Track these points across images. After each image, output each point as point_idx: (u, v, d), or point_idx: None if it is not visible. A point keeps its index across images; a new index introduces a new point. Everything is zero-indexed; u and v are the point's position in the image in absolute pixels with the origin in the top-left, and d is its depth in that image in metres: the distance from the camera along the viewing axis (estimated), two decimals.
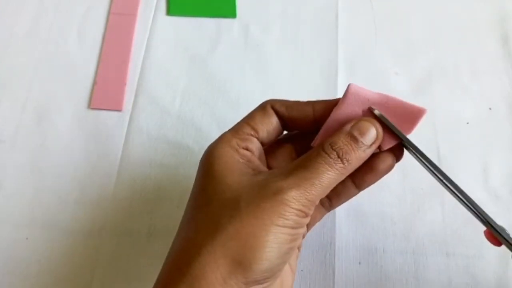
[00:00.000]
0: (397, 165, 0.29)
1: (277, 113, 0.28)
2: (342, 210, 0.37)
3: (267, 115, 0.28)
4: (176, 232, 0.27)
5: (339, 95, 0.43)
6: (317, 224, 0.37)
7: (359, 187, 0.29)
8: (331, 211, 0.37)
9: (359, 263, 0.36)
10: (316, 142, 0.28)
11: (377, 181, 0.29)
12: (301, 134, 0.30)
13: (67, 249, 0.37)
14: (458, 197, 0.26)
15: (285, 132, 0.30)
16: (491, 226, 0.25)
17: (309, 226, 0.30)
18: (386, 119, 0.26)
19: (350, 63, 0.44)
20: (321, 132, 0.28)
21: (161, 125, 0.42)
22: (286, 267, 0.27)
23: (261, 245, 0.23)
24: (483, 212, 0.25)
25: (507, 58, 0.44)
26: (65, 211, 0.39)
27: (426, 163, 0.26)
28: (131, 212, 0.38)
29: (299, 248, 0.30)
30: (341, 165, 0.25)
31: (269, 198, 0.23)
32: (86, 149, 0.41)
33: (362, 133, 0.25)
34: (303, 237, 0.30)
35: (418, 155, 0.26)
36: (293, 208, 0.23)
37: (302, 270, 0.36)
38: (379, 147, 0.27)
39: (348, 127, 0.26)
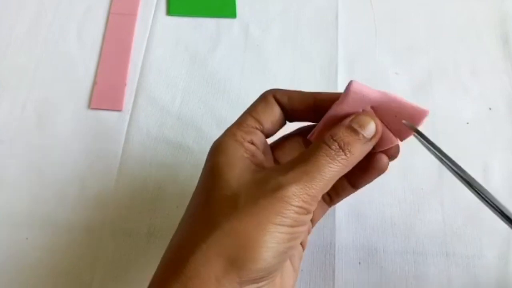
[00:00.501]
0: (397, 165, 0.29)
1: (279, 103, 0.28)
2: (342, 211, 0.37)
3: (269, 105, 0.27)
4: (176, 229, 0.26)
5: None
6: (317, 224, 0.37)
7: (355, 186, 0.29)
8: (331, 212, 0.37)
9: (359, 263, 0.36)
10: (313, 135, 0.28)
11: (372, 180, 0.28)
12: (310, 128, 0.29)
13: (67, 249, 0.37)
14: (472, 187, 0.25)
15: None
16: (504, 214, 0.24)
17: (313, 223, 0.30)
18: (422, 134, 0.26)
19: (350, 63, 0.44)
20: (319, 126, 0.27)
21: (161, 125, 0.42)
22: (288, 267, 0.27)
23: (257, 244, 0.22)
24: (497, 201, 0.24)
25: (507, 58, 0.44)
26: (65, 211, 0.39)
27: (442, 156, 0.26)
28: (131, 212, 0.38)
29: (303, 247, 0.29)
30: (343, 156, 0.24)
31: (268, 195, 0.23)
32: (86, 149, 0.41)
33: (362, 126, 0.25)
34: (309, 233, 0.30)
35: (431, 148, 0.26)
36: (293, 205, 0.23)
37: (302, 270, 0.36)
38: (374, 147, 0.26)
39: (347, 121, 0.25)
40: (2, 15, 0.47)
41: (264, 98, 0.28)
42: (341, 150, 0.24)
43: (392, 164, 0.29)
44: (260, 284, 0.23)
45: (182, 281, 0.22)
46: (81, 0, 0.47)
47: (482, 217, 0.37)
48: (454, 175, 0.25)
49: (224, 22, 0.46)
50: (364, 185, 0.29)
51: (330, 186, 0.24)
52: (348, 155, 0.24)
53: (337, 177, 0.24)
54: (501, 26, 0.45)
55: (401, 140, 0.27)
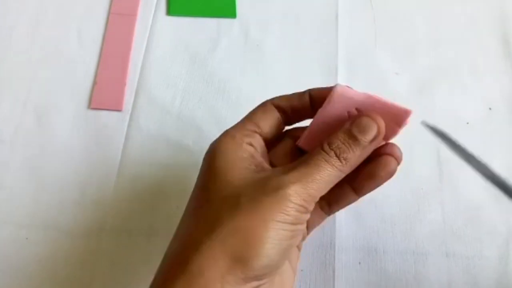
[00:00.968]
0: None
1: (278, 108, 0.28)
2: (342, 211, 0.37)
3: (268, 111, 0.28)
4: (176, 229, 0.26)
5: None
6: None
7: (359, 193, 0.29)
8: None
9: (359, 263, 0.36)
10: (301, 141, 0.28)
11: (376, 188, 0.28)
12: (300, 130, 0.30)
13: (67, 249, 0.37)
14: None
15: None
16: None
17: (308, 229, 0.30)
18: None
19: (350, 63, 0.44)
20: (307, 132, 0.28)
21: (161, 125, 0.42)
22: (288, 267, 0.27)
23: (261, 241, 0.23)
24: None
25: (507, 58, 0.44)
26: (65, 211, 0.39)
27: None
28: (131, 212, 0.38)
29: (299, 249, 0.30)
30: (339, 163, 0.25)
31: (270, 193, 0.23)
32: (86, 149, 0.41)
33: (362, 130, 0.25)
34: (303, 239, 0.30)
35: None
36: (294, 203, 0.23)
37: (302, 270, 0.36)
38: (384, 138, 0.26)
39: (347, 124, 0.26)
40: (2, 15, 0.47)
41: (262, 105, 0.29)
42: (337, 159, 0.25)
43: None
44: (262, 281, 0.24)
45: (187, 278, 0.22)
46: (81, 0, 0.47)
47: (482, 217, 0.37)
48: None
49: (224, 22, 0.46)
50: (369, 191, 0.29)
51: (329, 187, 0.25)
52: (344, 163, 0.25)
53: (337, 180, 0.25)
54: (501, 26, 0.45)
55: (387, 140, 0.27)
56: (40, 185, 0.40)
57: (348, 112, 0.27)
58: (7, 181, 0.40)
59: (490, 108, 0.41)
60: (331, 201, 0.30)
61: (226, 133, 0.27)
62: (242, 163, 0.26)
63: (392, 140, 0.27)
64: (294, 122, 0.30)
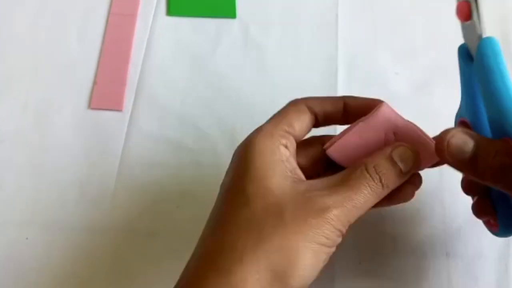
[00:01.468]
0: None
1: (311, 110, 0.28)
2: None
3: (302, 112, 0.28)
4: (205, 227, 0.26)
5: (339, 95, 0.43)
6: None
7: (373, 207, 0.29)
8: None
9: (359, 263, 0.36)
10: (330, 149, 0.28)
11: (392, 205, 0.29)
12: (327, 137, 0.30)
13: (67, 249, 0.37)
14: None
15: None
16: None
17: None
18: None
19: (350, 63, 0.44)
20: (339, 140, 0.27)
21: (161, 125, 0.42)
22: None
23: (303, 263, 0.23)
24: None
25: (507, 58, 0.43)
26: (65, 211, 0.39)
27: None
28: (131, 212, 0.38)
29: None
30: (381, 189, 0.25)
31: (314, 214, 0.23)
32: (86, 149, 0.41)
33: (402, 160, 0.25)
34: None
35: None
36: (334, 227, 0.24)
37: None
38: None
39: (388, 150, 0.26)
40: (3, 15, 0.47)
41: (295, 104, 0.28)
42: (380, 184, 0.25)
43: None
44: None
45: (227, 286, 0.22)
46: (81, 1, 0.47)
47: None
48: None
49: (224, 22, 0.46)
50: (380, 207, 0.29)
51: (363, 213, 0.25)
52: (385, 189, 0.25)
53: (371, 206, 0.25)
54: (501, 26, 0.45)
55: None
56: (40, 185, 0.40)
57: (386, 134, 0.27)
58: (7, 181, 0.40)
59: None
60: None
61: (262, 130, 0.27)
62: (280, 168, 0.25)
63: None
64: (321, 126, 0.29)
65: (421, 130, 0.27)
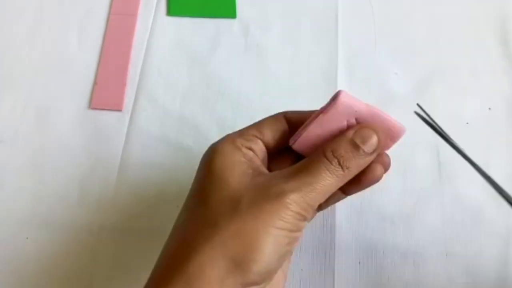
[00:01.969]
0: (397, 165, 0.29)
1: (289, 121, 0.29)
2: (342, 210, 0.37)
3: (276, 122, 0.28)
4: (172, 228, 0.26)
5: None
6: (317, 224, 0.37)
7: (346, 193, 0.29)
8: (331, 212, 0.37)
9: (359, 263, 0.36)
10: (294, 142, 0.28)
11: (364, 189, 0.28)
12: None
13: (67, 249, 0.37)
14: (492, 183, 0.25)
15: None
16: None
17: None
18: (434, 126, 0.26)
19: (350, 63, 0.44)
20: (302, 134, 0.27)
21: (161, 125, 0.42)
22: (279, 271, 0.27)
23: (260, 247, 0.23)
24: None
25: (507, 59, 0.44)
26: (65, 211, 0.39)
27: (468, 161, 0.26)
28: (131, 211, 0.39)
29: (291, 253, 0.30)
30: (342, 172, 0.25)
31: (271, 199, 0.23)
32: (86, 149, 0.41)
33: (364, 141, 0.25)
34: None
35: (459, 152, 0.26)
36: (293, 211, 0.23)
37: (302, 270, 0.36)
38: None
39: (350, 133, 0.26)
40: (3, 16, 0.47)
41: (273, 115, 0.29)
42: (339, 166, 0.25)
43: (392, 164, 0.29)
44: (260, 286, 0.24)
45: (184, 279, 0.22)
46: (82, 1, 0.48)
47: (482, 217, 0.37)
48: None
49: (224, 22, 0.46)
50: (355, 192, 0.29)
51: (327, 196, 0.25)
52: (346, 172, 0.25)
53: (335, 189, 0.26)
54: (501, 26, 0.45)
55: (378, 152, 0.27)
56: (40, 185, 0.40)
57: (347, 120, 0.27)
58: (7, 181, 0.40)
59: (489, 108, 0.41)
60: None
61: (226, 137, 0.28)
62: (240, 167, 0.26)
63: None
64: None
65: (381, 111, 0.26)
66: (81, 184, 0.40)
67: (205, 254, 0.23)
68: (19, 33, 0.46)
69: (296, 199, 0.24)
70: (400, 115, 0.28)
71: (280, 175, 0.25)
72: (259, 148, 0.28)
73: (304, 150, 0.28)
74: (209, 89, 0.43)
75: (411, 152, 0.39)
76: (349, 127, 0.27)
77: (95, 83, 0.44)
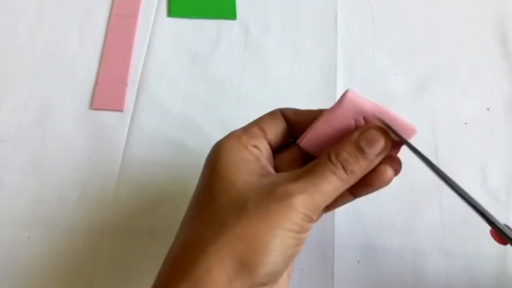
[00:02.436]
0: None
1: (286, 118, 0.29)
2: (341, 210, 0.37)
3: (275, 118, 0.28)
4: (178, 229, 0.26)
5: (339, 95, 0.43)
6: (317, 224, 0.37)
7: (355, 196, 0.29)
8: (331, 211, 0.37)
9: (358, 262, 0.36)
10: (302, 141, 0.28)
11: (374, 191, 0.28)
12: None
13: (68, 249, 0.37)
14: (463, 197, 0.25)
15: None
16: (496, 226, 0.25)
17: None
18: (389, 125, 0.26)
19: (349, 63, 0.44)
20: (310, 132, 0.27)
21: (162, 125, 0.42)
22: (284, 273, 0.27)
23: (268, 248, 0.23)
24: (487, 212, 0.25)
25: (506, 59, 0.44)
26: (66, 210, 0.39)
27: (431, 166, 0.26)
28: (132, 211, 0.39)
29: None
30: (346, 175, 0.25)
31: (277, 201, 0.23)
32: (87, 149, 0.41)
33: (370, 143, 0.25)
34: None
35: (423, 158, 0.26)
36: (300, 212, 0.23)
37: (301, 269, 0.36)
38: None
39: (356, 135, 0.25)
40: (4, 16, 0.47)
41: (271, 112, 0.29)
42: (343, 170, 0.25)
43: None
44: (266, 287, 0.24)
45: (192, 280, 0.22)
46: (82, 1, 0.48)
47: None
48: (447, 185, 0.25)
49: (225, 23, 0.46)
50: (365, 194, 0.29)
51: (333, 198, 0.25)
52: (350, 175, 0.25)
53: (341, 191, 0.25)
54: (500, 26, 0.45)
55: (388, 154, 0.27)
56: (41, 185, 0.40)
57: (355, 119, 0.26)
58: (8, 180, 0.40)
59: (488, 109, 0.42)
60: None
61: (231, 134, 0.27)
62: (246, 166, 0.26)
63: None
64: (299, 136, 0.29)
65: (391, 111, 0.26)
66: (82, 184, 0.40)
67: (213, 255, 0.22)
68: (20, 33, 0.46)
69: (303, 200, 0.23)
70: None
71: (287, 176, 0.25)
72: (264, 146, 0.28)
73: (311, 148, 0.28)
74: (210, 89, 0.43)
75: (411, 152, 0.39)
76: (357, 126, 0.26)
77: (96, 83, 0.44)
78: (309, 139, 0.28)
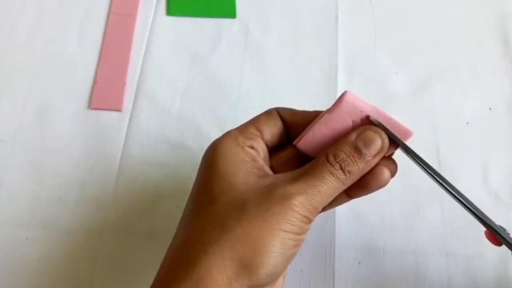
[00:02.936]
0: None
1: (282, 118, 0.29)
2: (342, 210, 0.37)
3: (272, 118, 0.28)
4: (176, 229, 0.26)
5: (339, 95, 0.43)
6: (317, 224, 0.37)
7: (351, 197, 0.29)
8: (331, 212, 0.37)
9: (359, 263, 0.36)
10: (299, 142, 0.28)
11: (370, 193, 0.28)
12: None
13: (67, 249, 0.37)
14: (458, 199, 0.26)
15: None
16: (491, 227, 0.25)
17: None
18: (384, 126, 0.26)
19: (350, 63, 0.44)
20: (307, 132, 0.27)
21: (161, 125, 0.42)
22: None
23: (268, 250, 0.23)
24: (482, 213, 0.25)
25: (507, 58, 0.44)
26: (65, 211, 0.39)
27: (425, 167, 0.26)
28: (131, 212, 0.38)
29: None
30: (343, 176, 0.25)
31: (277, 202, 0.23)
32: (86, 149, 0.41)
33: (367, 144, 0.25)
34: None
35: (417, 160, 0.26)
36: (299, 213, 0.24)
37: (302, 270, 0.36)
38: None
39: (353, 136, 0.26)
40: (3, 16, 0.47)
41: (267, 111, 0.29)
42: (341, 171, 0.25)
43: None
44: None
45: (193, 280, 0.22)
46: (81, 0, 0.48)
47: None
48: (441, 187, 0.25)
49: (224, 22, 0.46)
50: (360, 196, 0.29)
51: (331, 199, 0.25)
52: (348, 176, 0.25)
53: (339, 192, 0.26)
54: (501, 26, 0.45)
55: (384, 155, 0.27)
56: (40, 185, 0.40)
57: (353, 121, 0.26)
58: (7, 181, 0.40)
59: (490, 108, 0.41)
60: None
61: (228, 134, 0.27)
62: (244, 166, 0.26)
63: None
64: (295, 137, 0.30)
65: (387, 113, 0.26)
66: (80, 184, 0.40)
67: (214, 255, 0.23)
68: (19, 33, 0.46)
69: (302, 202, 0.24)
70: (400, 115, 0.28)
71: (285, 178, 0.25)
72: (261, 146, 0.28)
73: (308, 149, 0.28)
74: (209, 89, 0.43)
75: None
76: (354, 128, 0.26)
77: (94, 83, 0.44)
78: (306, 140, 0.28)
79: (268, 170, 0.27)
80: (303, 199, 0.24)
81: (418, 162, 0.26)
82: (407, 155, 0.27)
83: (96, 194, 0.39)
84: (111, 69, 0.44)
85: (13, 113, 0.43)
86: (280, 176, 0.26)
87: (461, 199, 0.25)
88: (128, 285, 0.36)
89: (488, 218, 0.25)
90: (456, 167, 0.39)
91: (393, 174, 0.28)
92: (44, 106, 0.43)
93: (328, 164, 0.25)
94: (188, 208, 0.27)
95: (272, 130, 0.28)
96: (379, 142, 0.26)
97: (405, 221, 0.37)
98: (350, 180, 0.26)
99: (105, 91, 0.43)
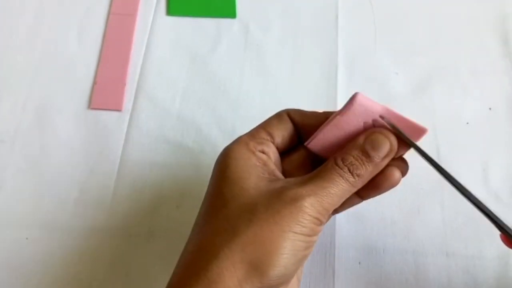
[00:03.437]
0: None
1: (293, 121, 0.29)
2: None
3: (282, 121, 0.29)
4: (190, 233, 0.27)
5: (339, 95, 0.43)
6: None
7: (363, 198, 0.29)
8: None
9: (359, 263, 0.36)
10: (310, 142, 0.28)
11: (382, 193, 0.28)
12: None
13: (67, 249, 0.37)
14: (474, 203, 0.25)
15: None
16: (506, 231, 0.24)
17: None
18: (396, 127, 0.26)
19: (350, 63, 0.44)
20: (318, 134, 0.28)
21: (161, 125, 0.42)
22: (294, 277, 0.28)
23: (279, 251, 0.23)
24: (498, 218, 0.25)
25: (507, 58, 0.44)
26: (65, 211, 0.39)
27: (438, 169, 0.26)
28: (131, 212, 0.38)
29: None
30: (353, 179, 0.25)
31: (287, 204, 0.24)
32: (86, 149, 0.41)
33: (375, 148, 0.26)
34: None
35: (431, 162, 0.26)
36: (310, 215, 0.24)
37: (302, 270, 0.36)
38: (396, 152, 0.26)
39: (361, 139, 0.26)
40: (3, 16, 0.47)
41: (277, 114, 0.29)
42: (351, 175, 0.25)
43: None
44: None
45: (204, 284, 0.23)
46: (81, 0, 0.48)
47: (482, 217, 0.37)
48: (454, 187, 0.25)
49: (224, 22, 0.46)
50: (373, 197, 0.29)
51: (342, 201, 0.26)
52: (357, 179, 0.25)
53: (349, 194, 0.26)
54: (501, 26, 0.45)
55: (398, 155, 0.27)
56: (40, 185, 0.40)
57: (364, 122, 0.26)
58: (7, 181, 0.40)
59: (490, 108, 0.41)
60: None
61: (239, 140, 0.28)
62: (255, 171, 0.26)
63: None
64: (306, 137, 0.30)
65: (399, 113, 0.26)
66: (80, 184, 0.40)
67: (225, 259, 0.23)
68: (19, 33, 0.46)
69: (312, 203, 0.24)
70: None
71: (295, 181, 0.26)
72: (272, 150, 0.28)
73: (319, 150, 0.28)
74: (209, 89, 0.43)
75: (411, 152, 0.39)
76: (366, 128, 0.26)
77: (94, 82, 0.44)
78: (317, 142, 0.28)
79: (279, 174, 0.27)
80: (313, 200, 0.24)
81: (432, 164, 0.26)
82: (421, 157, 0.26)
83: (96, 194, 0.39)
84: (111, 69, 0.44)
85: (13, 113, 0.43)
86: (291, 180, 0.26)
87: (477, 203, 0.25)
88: (128, 285, 0.36)
89: (503, 222, 0.25)
90: (456, 167, 0.39)
91: (404, 174, 0.28)
92: (44, 106, 0.43)
93: (337, 167, 0.25)
94: (201, 213, 0.27)
95: (283, 133, 0.28)
96: (387, 144, 0.26)
97: (405, 221, 0.37)
98: (359, 183, 0.26)
99: (105, 91, 0.43)
